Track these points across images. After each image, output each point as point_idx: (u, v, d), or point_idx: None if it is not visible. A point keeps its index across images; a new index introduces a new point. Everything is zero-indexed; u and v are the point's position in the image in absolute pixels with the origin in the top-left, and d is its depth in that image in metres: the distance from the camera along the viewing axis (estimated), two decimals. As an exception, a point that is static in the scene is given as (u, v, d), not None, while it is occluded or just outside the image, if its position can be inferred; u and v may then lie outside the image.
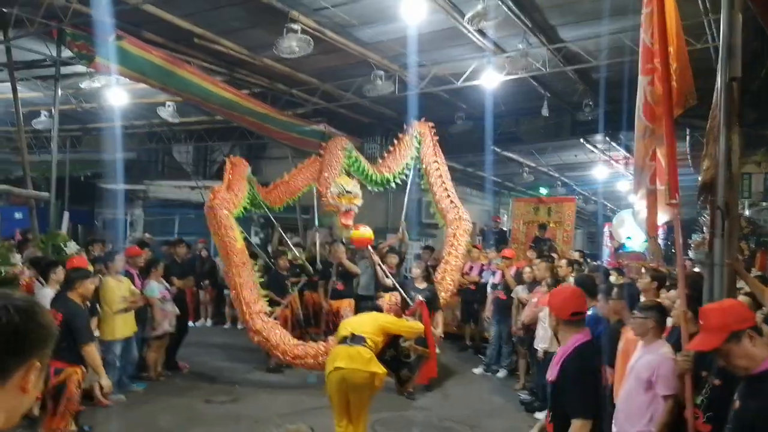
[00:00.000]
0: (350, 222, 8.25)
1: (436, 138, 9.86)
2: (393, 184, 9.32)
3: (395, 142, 9.56)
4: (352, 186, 8.31)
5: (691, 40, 8.52)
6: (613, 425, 3.97)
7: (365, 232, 8.42)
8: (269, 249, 11.45)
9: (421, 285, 8.03)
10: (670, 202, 3.70)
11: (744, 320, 2.69)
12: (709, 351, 2.84)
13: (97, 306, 6.76)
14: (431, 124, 9.87)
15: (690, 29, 8.33)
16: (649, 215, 3.98)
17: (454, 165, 17.03)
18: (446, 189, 9.65)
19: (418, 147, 9.55)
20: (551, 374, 3.27)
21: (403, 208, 9.90)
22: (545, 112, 11.59)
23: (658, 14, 3.74)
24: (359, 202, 8.35)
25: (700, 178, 4.11)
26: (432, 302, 7.78)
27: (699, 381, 3.36)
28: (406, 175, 9.49)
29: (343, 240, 9.58)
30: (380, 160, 9.40)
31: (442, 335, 8.39)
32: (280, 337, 7.63)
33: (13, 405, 1.31)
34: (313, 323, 9.62)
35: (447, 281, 9.00)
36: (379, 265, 8.73)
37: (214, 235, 7.91)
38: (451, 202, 9.60)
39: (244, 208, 8.36)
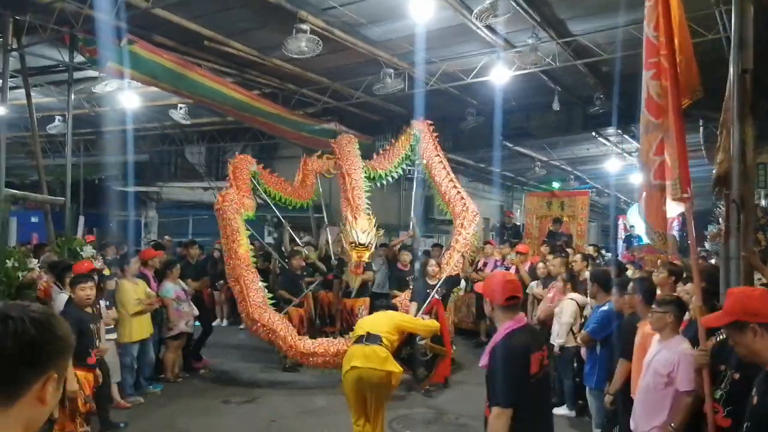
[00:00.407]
0: (360, 271, 8.45)
1: (436, 135, 9.95)
2: (384, 181, 9.64)
3: (391, 142, 9.84)
4: (367, 234, 8.35)
5: (702, 30, 8.46)
6: (631, 420, 3.96)
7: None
8: (282, 249, 11.50)
9: (434, 282, 8.03)
10: (682, 196, 3.65)
11: (754, 314, 2.67)
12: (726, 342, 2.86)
13: (104, 308, 6.76)
14: (430, 122, 9.98)
15: (701, 20, 8.27)
16: (654, 211, 3.93)
17: (466, 161, 17.08)
18: (452, 180, 9.69)
19: (414, 145, 9.70)
20: (483, 360, 3.24)
21: (412, 206, 10.03)
22: (556, 106, 11.55)
23: (663, 5, 3.71)
24: (368, 253, 8.53)
25: (714, 171, 4.08)
26: (449, 295, 7.84)
27: (718, 375, 3.33)
28: (400, 173, 9.85)
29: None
30: (374, 156, 9.67)
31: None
32: (287, 330, 7.72)
33: (33, 416, 1.32)
34: (328, 322, 9.67)
35: (453, 261, 8.97)
36: None
37: (222, 237, 8.00)
38: (458, 193, 9.61)
39: (259, 206, 8.49)
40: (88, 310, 5.58)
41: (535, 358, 3.10)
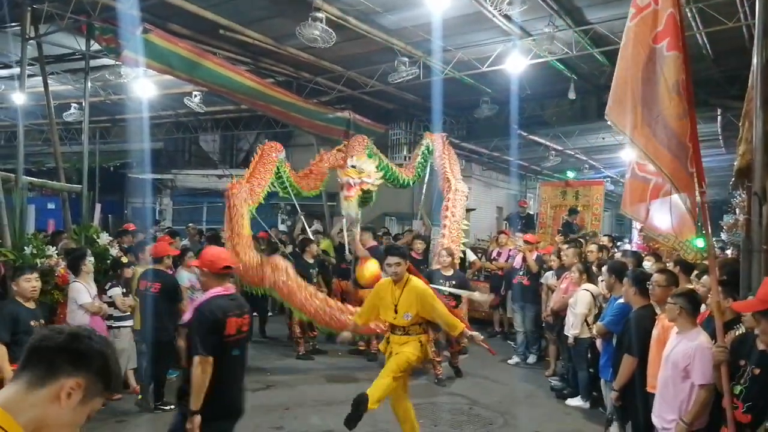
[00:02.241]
0: (352, 194, 8.54)
1: (448, 142, 10.52)
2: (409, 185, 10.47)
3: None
4: (364, 163, 8.67)
5: (722, 18, 8.33)
6: (652, 415, 3.94)
7: (371, 269, 8.30)
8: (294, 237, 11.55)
9: (449, 272, 8.04)
10: (699, 190, 3.56)
11: None
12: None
13: (120, 295, 6.83)
14: (444, 134, 10.69)
15: (721, 7, 8.13)
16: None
17: (480, 149, 17.00)
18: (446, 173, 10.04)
19: (426, 157, 10.42)
20: (186, 316, 3.86)
21: (422, 196, 10.35)
22: (572, 95, 11.44)
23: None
24: (368, 179, 8.63)
25: (736, 163, 4.02)
26: (463, 287, 7.85)
27: (737, 370, 3.30)
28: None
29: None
30: (405, 165, 10.40)
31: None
32: (296, 282, 7.79)
33: (46, 413, 1.42)
34: None
35: (447, 240, 9.23)
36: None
37: (226, 219, 8.05)
38: (447, 180, 9.90)
39: (269, 194, 8.56)
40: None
41: (233, 322, 3.65)
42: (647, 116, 3.50)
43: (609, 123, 3.82)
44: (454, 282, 7.81)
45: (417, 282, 5.17)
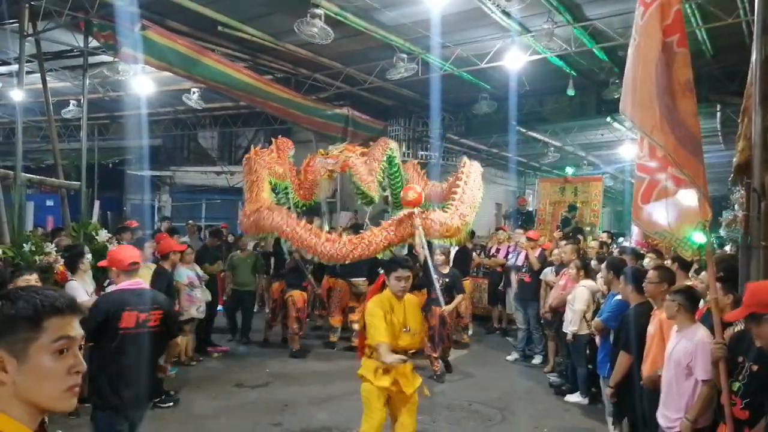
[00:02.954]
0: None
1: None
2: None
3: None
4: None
5: (720, 14, 8.32)
6: (657, 413, 3.94)
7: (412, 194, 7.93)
8: None
9: (445, 270, 8.07)
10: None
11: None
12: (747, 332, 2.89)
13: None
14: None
15: (720, 3, 8.13)
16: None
17: (478, 146, 17.00)
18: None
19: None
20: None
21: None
22: (571, 91, 11.43)
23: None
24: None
25: (735, 160, 4.01)
26: (455, 286, 7.93)
27: (736, 367, 3.31)
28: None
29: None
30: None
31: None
32: (303, 227, 7.66)
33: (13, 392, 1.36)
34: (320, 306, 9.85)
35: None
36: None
37: (246, 184, 8.13)
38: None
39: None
40: None
41: (130, 315, 3.77)
42: (666, 114, 3.50)
43: (628, 122, 3.82)
44: (447, 280, 7.86)
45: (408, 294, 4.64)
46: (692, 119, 3.50)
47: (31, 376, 1.36)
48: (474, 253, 11.14)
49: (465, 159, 9.08)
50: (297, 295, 8.70)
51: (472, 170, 8.57)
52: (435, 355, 7.66)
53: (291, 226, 7.57)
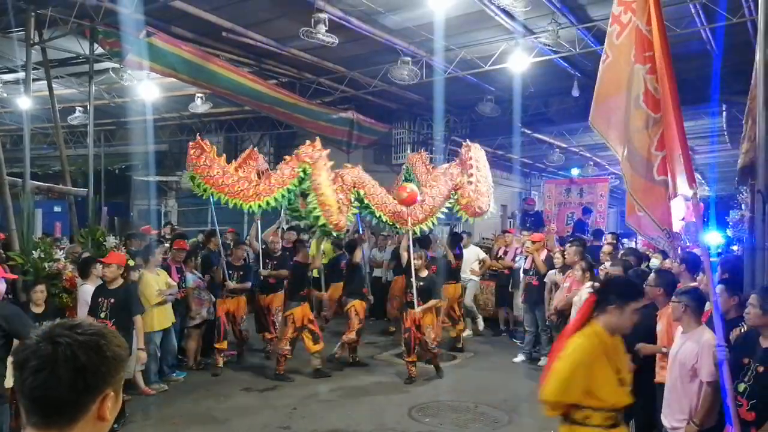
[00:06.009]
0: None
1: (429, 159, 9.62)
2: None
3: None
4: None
5: (726, 14, 8.31)
6: (662, 415, 3.94)
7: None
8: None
9: (424, 273, 7.93)
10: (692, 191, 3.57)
11: None
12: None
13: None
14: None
15: (725, 3, 8.11)
16: (660, 207, 3.83)
17: (483, 147, 16.96)
18: None
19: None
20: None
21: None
22: (575, 92, 11.42)
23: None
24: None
25: (739, 161, 4.02)
26: (432, 290, 7.87)
27: (741, 368, 3.30)
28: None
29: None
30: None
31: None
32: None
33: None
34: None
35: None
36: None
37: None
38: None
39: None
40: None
41: None
42: (624, 137, 3.66)
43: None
44: (421, 284, 7.77)
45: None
46: (636, 135, 3.66)
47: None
48: (485, 255, 11.06)
49: (467, 142, 8.94)
50: (298, 312, 7.90)
51: (479, 155, 8.61)
52: (410, 359, 7.68)
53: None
